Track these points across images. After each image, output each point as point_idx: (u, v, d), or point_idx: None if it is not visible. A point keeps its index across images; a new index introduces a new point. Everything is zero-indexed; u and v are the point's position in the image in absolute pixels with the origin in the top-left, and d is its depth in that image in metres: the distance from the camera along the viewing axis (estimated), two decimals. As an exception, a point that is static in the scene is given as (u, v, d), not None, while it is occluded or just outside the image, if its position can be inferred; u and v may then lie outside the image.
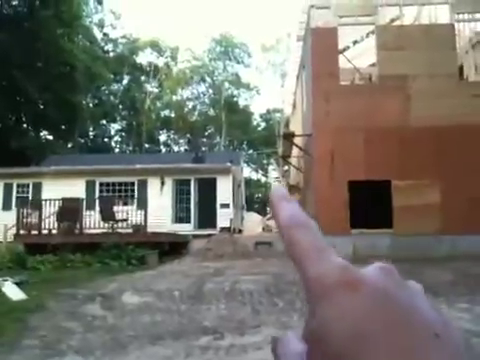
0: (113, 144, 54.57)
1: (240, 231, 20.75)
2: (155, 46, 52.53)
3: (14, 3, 30.17)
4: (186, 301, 8.37)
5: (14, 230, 15.10)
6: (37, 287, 9.57)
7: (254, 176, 56.59)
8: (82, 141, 45.20)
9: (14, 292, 8.87)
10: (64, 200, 15.04)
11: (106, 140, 52.99)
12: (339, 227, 11.84)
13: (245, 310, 7.70)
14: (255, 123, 58.27)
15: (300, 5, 13.88)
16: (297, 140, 14.44)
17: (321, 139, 12.26)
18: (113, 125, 54.23)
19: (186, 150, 52.59)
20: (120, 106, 52.02)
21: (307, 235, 0.35)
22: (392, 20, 13.18)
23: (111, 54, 47.74)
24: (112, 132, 54.82)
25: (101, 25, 44.51)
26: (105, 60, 42.27)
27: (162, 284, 9.72)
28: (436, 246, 11.42)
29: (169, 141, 58.94)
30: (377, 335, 0.27)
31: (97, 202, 16.66)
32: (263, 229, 23.61)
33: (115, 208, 15.43)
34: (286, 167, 24.32)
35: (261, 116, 57.47)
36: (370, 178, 12.07)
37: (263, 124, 58.36)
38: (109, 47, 47.93)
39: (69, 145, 39.99)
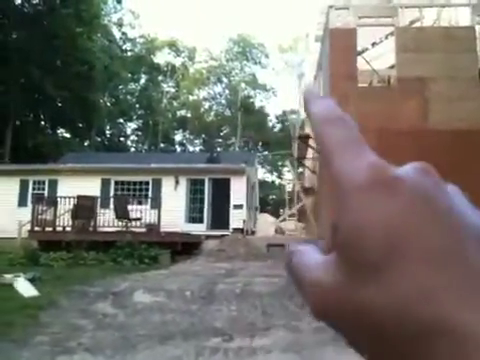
0: (129, 143, 54.97)
1: (253, 232, 20.68)
2: (173, 46, 52.75)
3: (34, 1, 30.54)
4: (197, 301, 8.32)
5: (29, 226, 15.24)
6: (49, 284, 9.59)
7: (268, 178, 56.55)
8: (98, 139, 45.57)
9: (26, 289, 8.90)
10: (79, 198, 15.11)
11: (122, 139, 53.36)
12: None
13: (256, 312, 7.63)
14: (271, 124, 58.21)
15: (319, 5, 13.77)
16: (313, 142, 14.31)
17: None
18: (129, 124, 54.64)
19: (201, 150, 52.73)
20: (137, 105, 52.33)
21: (341, 129, 0.30)
22: (412, 22, 13.00)
23: (129, 53, 48.04)
24: (128, 131, 55.22)
25: (120, 24, 44.79)
26: (123, 59, 42.57)
27: (174, 284, 9.69)
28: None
29: (184, 141, 59.17)
30: (417, 240, 0.25)
31: (111, 200, 16.73)
32: (276, 231, 23.50)
33: (129, 207, 15.47)
34: (301, 169, 24.18)
35: (277, 117, 57.41)
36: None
37: (279, 125, 58.30)
38: (127, 46, 48.27)
39: (86, 143, 40.37)
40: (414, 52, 12.35)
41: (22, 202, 19.04)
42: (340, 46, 12.42)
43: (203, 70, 54.22)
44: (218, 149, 45.49)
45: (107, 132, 49.84)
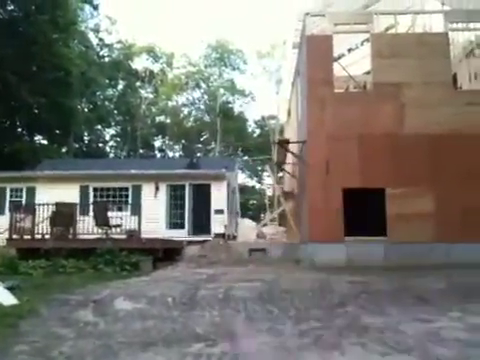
0: (108, 149, 54.46)
1: (234, 237, 20.72)
2: (150, 52, 52.61)
3: (9, 8, 30.11)
4: (179, 307, 8.31)
5: (7, 234, 15.01)
6: (29, 292, 9.48)
7: (249, 183, 56.62)
8: (77, 146, 45.06)
9: (5, 297, 8.78)
10: (58, 205, 14.95)
11: (101, 145, 52.84)
12: (333, 234, 11.86)
13: (239, 317, 7.65)
14: (250, 129, 58.39)
15: (296, 12, 13.93)
16: (292, 147, 14.46)
17: (315, 146, 12.29)
18: (108, 130, 54.15)
19: (181, 156, 52.62)
20: (115, 111, 51.97)
21: None
22: (387, 28, 13.25)
23: (106, 59, 47.70)
24: (107, 137, 54.74)
25: (96, 30, 44.48)
26: (100, 65, 42.26)
27: (155, 290, 9.67)
28: (430, 254, 11.44)
29: (164, 147, 58.92)
30: None
31: (91, 207, 16.60)
32: (257, 236, 23.56)
33: (109, 213, 15.36)
34: (280, 174, 24.33)
35: (256, 122, 57.63)
36: (364, 186, 12.10)
37: (258, 130, 58.49)
38: (104, 52, 47.89)
39: (63, 150, 39.88)
40: (389, 58, 12.59)
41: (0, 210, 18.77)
42: (316, 52, 12.61)
43: (181, 76, 54.17)
44: (198, 155, 45.44)
45: (85, 138, 49.31)
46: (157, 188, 18.56)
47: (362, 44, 15.12)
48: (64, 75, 29.76)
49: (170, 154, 56.99)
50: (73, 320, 7.60)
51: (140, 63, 52.62)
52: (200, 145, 57.93)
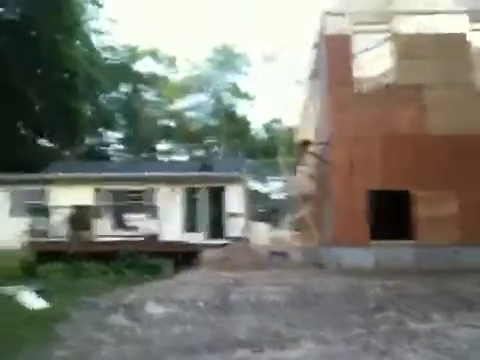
0: (111, 152, 54.20)
1: (248, 241, 20.51)
2: (154, 55, 52.49)
3: (15, 9, 29.85)
4: (213, 312, 8.13)
5: (23, 237, 14.87)
6: (56, 296, 9.30)
7: (254, 186, 56.28)
8: (79, 149, 44.73)
9: (34, 300, 8.61)
10: (75, 208, 14.81)
11: (104, 148, 52.58)
12: (358, 238, 11.66)
13: (277, 322, 7.45)
14: (254, 132, 58.17)
15: (316, 12, 13.78)
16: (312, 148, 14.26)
17: (338, 147, 12.12)
18: (111, 133, 53.88)
19: (190, 160, 52.52)
20: (119, 114, 51.77)
21: None
22: (408, 29, 13.05)
23: (110, 62, 47.45)
24: (110, 140, 54.48)
25: (100, 32, 44.23)
26: (103, 67, 41.98)
27: (184, 294, 9.46)
28: (460, 257, 11.24)
29: (168, 150, 58.73)
30: None
31: (105, 210, 16.46)
32: (271, 239, 23.39)
33: (126, 216, 15.22)
34: (295, 176, 24.13)
35: (263, 126, 57.42)
36: (388, 188, 11.91)
37: (262, 134, 58.31)
38: (107, 55, 47.62)
39: (66, 153, 39.55)
40: (411, 59, 12.42)
41: (14, 213, 18.56)
42: (336, 52, 12.45)
43: (186, 79, 54.01)
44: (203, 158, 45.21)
45: (88, 141, 49.03)
46: (173, 191, 18.35)
47: (379, 44, 14.84)
48: (69, 77, 29.45)
49: (174, 158, 56.78)
50: (107, 324, 7.42)
51: (144, 66, 52.46)
52: (203, 149, 57.71)
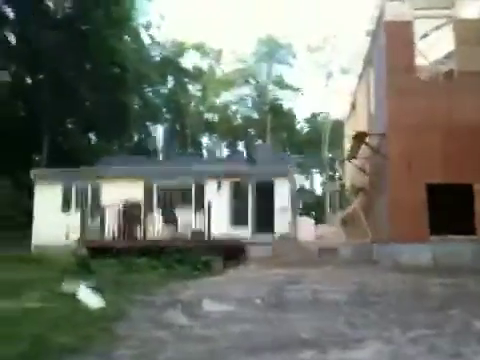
0: (157, 147, 54.73)
1: (294, 236, 20.22)
2: (200, 48, 52.62)
3: (66, 5, 30.41)
4: (272, 310, 7.92)
5: (75, 233, 15.10)
6: (111, 292, 9.29)
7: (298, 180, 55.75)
8: (127, 143, 45.36)
9: (91, 298, 8.63)
10: (127, 203, 14.92)
11: (150, 142, 53.14)
12: (416, 233, 11.23)
13: (339, 322, 7.17)
14: (299, 126, 57.56)
15: (356, 2, 13.31)
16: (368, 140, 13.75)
17: (396, 139, 11.69)
18: (155, 127, 54.37)
19: (229, 154, 52.57)
20: (164, 109, 52.17)
21: None
22: (470, 14, 12.43)
23: (156, 56, 47.90)
24: (156, 135, 55.03)
25: (147, 27, 44.63)
26: (151, 62, 42.38)
27: (238, 291, 9.35)
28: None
29: (211, 144, 58.90)
30: None
31: (154, 205, 16.53)
32: (316, 235, 23.03)
33: (176, 212, 15.23)
34: (343, 169, 23.65)
35: (306, 119, 56.73)
36: (449, 181, 11.39)
37: (306, 127, 57.63)
38: (155, 49, 48.05)
39: (115, 147, 40.17)
40: (474, 45, 11.80)
41: (65, 208, 18.94)
42: (396, 39, 11.99)
43: (230, 72, 53.90)
44: (246, 152, 44.95)
45: (135, 136, 49.66)
46: (219, 185, 18.27)
47: (437, 29, 14.19)
48: (119, 71, 29.83)
49: (218, 152, 56.89)
50: (166, 323, 7.33)
51: (189, 60, 52.70)
52: (245, 142, 57.47)
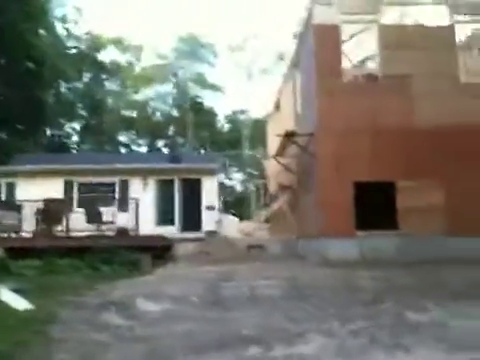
0: (71, 144, 52.57)
1: (219, 234, 20.26)
2: (118, 43, 51.22)
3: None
4: (210, 308, 7.82)
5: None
6: (37, 295, 8.73)
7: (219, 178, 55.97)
8: (40, 140, 43.14)
9: (16, 301, 8.06)
10: (47, 201, 14.14)
11: (64, 140, 50.94)
12: (344, 229, 11.62)
13: (278, 317, 7.21)
14: (219, 125, 57.76)
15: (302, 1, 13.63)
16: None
17: (325, 138, 12.03)
18: (70, 124, 52.21)
19: (149, 151, 51.65)
20: (80, 105, 50.25)
21: None
22: (393, 19, 13.10)
23: (73, 51, 45.99)
24: (70, 131, 52.84)
25: (63, 20, 42.77)
26: (67, 57, 40.68)
27: (172, 290, 9.16)
28: (443, 248, 11.35)
29: (129, 142, 57.53)
30: None
31: (75, 203, 15.83)
32: (240, 232, 23.25)
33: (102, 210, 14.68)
34: (265, 167, 24.02)
35: (226, 117, 57.06)
36: (374, 179, 11.91)
37: (227, 126, 58.01)
38: (71, 44, 46.10)
39: (28, 144, 38.02)
40: (397, 49, 12.43)
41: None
42: (325, 42, 12.33)
43: (150, 69, 52.95)
44: (169, 149, 44.51)
45: (48, 133, 47.34)
46: (145, 183, 17.86)
47: (357, 34, 14.80)
48: (36, 66, 28.41)
49: (135, 149, 55.72)
50: (102, 324, 6.99)
51: (107, 55, 51.11)
52: (165, 140, 56.82)
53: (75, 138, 53.33)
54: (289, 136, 12.86)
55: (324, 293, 8.59)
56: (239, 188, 57.02)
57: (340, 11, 12.54)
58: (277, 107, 20.09)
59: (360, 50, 14.67)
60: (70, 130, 52.13)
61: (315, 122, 12.31)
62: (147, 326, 6.89)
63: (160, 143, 56.70)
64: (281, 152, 14.94)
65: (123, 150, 54.16)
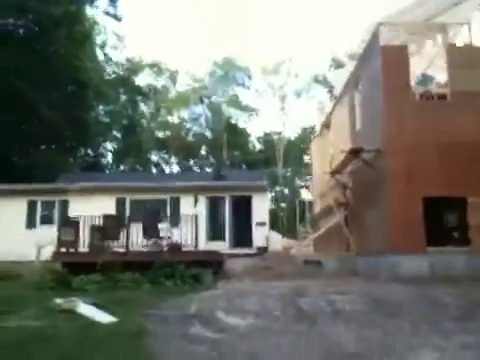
0: (107, 164, 53.25)
1: (266, 250, 20.06)
2: (155, 67, 52.22)
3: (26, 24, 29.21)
4: (298, 322, 7.61)
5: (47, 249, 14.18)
6: (113, 309, 8.61)
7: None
8: (79, 160, 43.88)
9: (100, 315, 7.97)
10: (105, 217, 14.17)
11: (102, 160, 51.69)
12: (415, 245, 11.30)
13: (374, 332, 6.97)
14: (251, 145, 57.96)
15: (364, 23, 13.61)
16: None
17: (394, 155, 11.83)
18: (105, 144, 53.01)
19: (182, 170, 52.08)
20: (116, 126, 51.11)
21: None
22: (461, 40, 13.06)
23: (112, 75, 47.07)
24: (106, 152, 53.63)
25: (102, 46, 43.94)
26: (107, 81, 41.66)
27: (247, 304, 8.89)
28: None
29: (161, 162, 58.03)
30: None
31: (127, 219, 15.84)
32: (284, 248, 22.91)
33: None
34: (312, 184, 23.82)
35: (258, 139, 57.39)
36: (445, 195, 11.62)
37: (258, 146, 58.17)
38: (110, 68, 47.19)
39: (71, 163, 38.70)
40: (466, 68, 12.25)
41: (30, 224, 17.81)
42: (393, 62, 12.28)
43: (185, 91, 53.70)
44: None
45: (89, 152, 48.10)
46: (196, 200, 17.81)
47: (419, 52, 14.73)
48: (80, 89, 29.12)
49: (167, 169, 56.23)
50: (195, 337, 6.84)
51: (144, 79, 52.12)
52: (197, 160, 57.17)
53: (109, 157, 54.07)
54: (355, 152, 12.69)
55: (408, 308, 8.28)
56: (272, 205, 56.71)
57: (406, 32, 12.54)
58: (326, 126, 19.96)
59: (415, 68, 14.56)
60: (103, 150, 52.90)
61: (383, 139, 12.18)
62: (241, 339, 6.69)
63: (191, 162, 57.09)
64: (341, 169, 14.76)
65: (154, 169, 54.70)
